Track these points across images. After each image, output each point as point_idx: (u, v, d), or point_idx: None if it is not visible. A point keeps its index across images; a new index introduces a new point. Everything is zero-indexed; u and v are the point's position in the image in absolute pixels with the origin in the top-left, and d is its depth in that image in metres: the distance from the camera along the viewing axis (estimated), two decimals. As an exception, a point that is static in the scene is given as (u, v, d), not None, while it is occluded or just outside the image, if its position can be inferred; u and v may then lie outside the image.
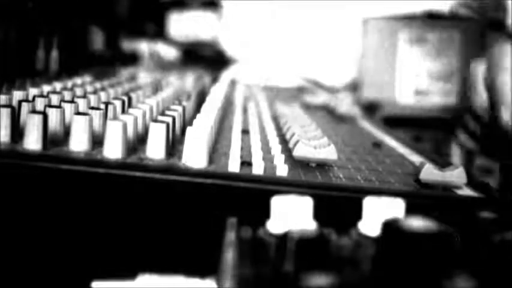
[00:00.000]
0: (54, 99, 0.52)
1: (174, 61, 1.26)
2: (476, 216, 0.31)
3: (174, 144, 0.48)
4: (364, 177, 0.47)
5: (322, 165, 0.48)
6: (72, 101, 0.50)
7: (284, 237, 0.28)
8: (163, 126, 0.44)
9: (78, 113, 0.45)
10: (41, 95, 0.53)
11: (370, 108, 1.13)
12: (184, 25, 1.31)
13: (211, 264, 0.34)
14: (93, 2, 1.11)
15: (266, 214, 0.33)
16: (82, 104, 0.52)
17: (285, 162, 0.46)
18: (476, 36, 1.16)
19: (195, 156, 0.43)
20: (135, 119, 0.47)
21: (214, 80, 0.96)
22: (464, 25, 1.18)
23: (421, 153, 0.60)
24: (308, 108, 0.83)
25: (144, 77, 0.87)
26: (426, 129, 1.16)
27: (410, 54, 1.18)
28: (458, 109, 1.17)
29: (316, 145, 0.49)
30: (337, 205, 0.42)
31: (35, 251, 0.41)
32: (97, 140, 0.44)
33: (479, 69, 0.89)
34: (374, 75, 1.20)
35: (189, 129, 0.44)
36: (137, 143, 0.47)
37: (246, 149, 0.50)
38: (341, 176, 0.46)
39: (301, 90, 1.10)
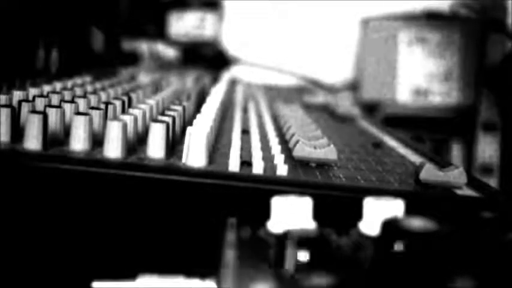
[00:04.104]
0: (54, 99, 0.52)
1: (174, 61, 1.26)
2: (476, 216, 0.31)
3: (174, 144, 0.48)
4: (364, 177, 0.47)
5: (322, 165, 0.48)
6: (72, 101, 0.50)
7: (284, 237, 0.28)
8: (163, 126, 0.44)
9: (78, 113, 0.45)
10: (41, 95, 0.53)
11: (370, 108, 1.13)
12: (184, 25, 1.31)
13: (211, 264, 0.34)
14: (93, 2, 1.11)
15: (266, 214, 0.33)
16: (82, 104, 0.52)
17: (285, 162, 0.46)
18: (476, 36, 1.16)
19: (195, 156, 0.43)
20: (135, 119, 0.47)
21: (214, 80, 0.96)
22: (464, 25, 1.18)
23: (421, 153, 0.60)
24: (308, 108, 0.83)
25: (144, 77, 0.87)
26: (426, 129, 1.16)
27: (410, 54, 1.18)
28: (459, 109, 1.17)
29: (316, 145, 0.49)
30: (337, 205, 0.42)
31: (35, 251, 0.41)
32: (97, 140, 0.44)
33: None
34: (374, 75, 1.20)
35: (189, 129, 0.44)
36: (137, 143, 0.47)
37: (246, 149, 0.50)
38: (341, 176, 0.46)
39: (301, 90, 1.10)
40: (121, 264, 0.41)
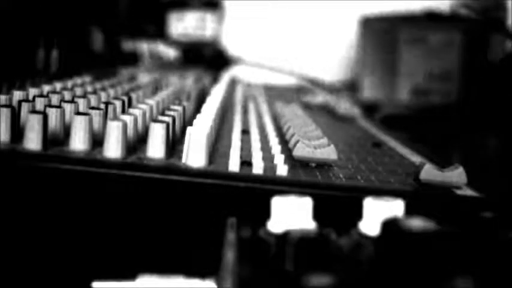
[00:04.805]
0: (54, 99, 0.52)
1: (174, 61, 1.26)
2: (476, 216, 0.31)
3: (174, 144, 0.48)
4: (364, 177, 0.47)
5: (322, 165, 0.48)
6: (72, 101, 0.50)
7: (284, 237, 0.28)
8: (163, 126, 0.44)
9: (78, 113, 0.45)
10: (41, 95, 0.53)
11: (370, 108, 1.13)
12: (184, 25, 1.31)
13: (211, 264, 0.34)
14: (93, 2, 1.11)
15: (266, 214, 0.33)
16: (82, 104, 0.52)
17: (285, 162, 0.46)
18: (476, 36, 1.16)
19: (195, 156, 0.43)
20: (135, 119, 0.47)
21: (214, 80, 0.96)
22: (464, 25, 1.18)
23: (421, 153, 0.60)
24: (308, 108, 0.83)
25: (144, 77, 0.87)
26: (426, 129, 1.16)
27: (410, 54, 1.18)
28: (459, 109, 1.17)
29: (316, 145, 0.49)
30: (337, 205, 0.42)
31: (35, 251, 0.41)
32: (97, 140, 0.44)
33: None
34: (374, 75, 1.20)
35: (189, 129, 0.44)
36: (137, 143, 0.47)
37: (246, 149, 0.50)
38: (341, 176, 0.46)
39: (301, 90, 1.10)
40: (121, 264, 0.41)
